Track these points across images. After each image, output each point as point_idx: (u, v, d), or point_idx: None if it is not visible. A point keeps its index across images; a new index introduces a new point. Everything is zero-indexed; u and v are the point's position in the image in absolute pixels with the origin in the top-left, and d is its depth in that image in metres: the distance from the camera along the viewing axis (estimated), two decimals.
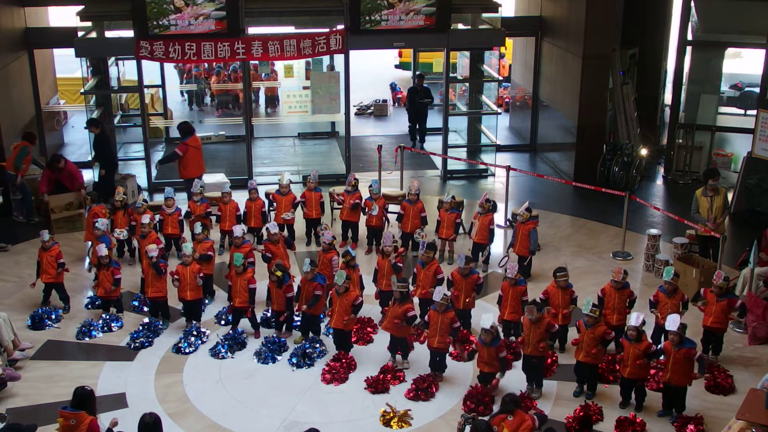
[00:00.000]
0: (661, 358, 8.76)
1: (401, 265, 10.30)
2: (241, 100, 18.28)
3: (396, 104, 21.31)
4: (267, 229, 11.02)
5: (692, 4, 15.19)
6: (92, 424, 7.39)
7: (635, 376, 8.70)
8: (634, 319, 8.57)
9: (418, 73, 17.65)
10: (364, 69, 21.04)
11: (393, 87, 21.90)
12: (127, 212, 12.01)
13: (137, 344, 10.01)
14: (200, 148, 14.02)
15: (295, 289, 10.06)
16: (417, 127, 17.41)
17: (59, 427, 7.41)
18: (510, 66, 20.31)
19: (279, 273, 9.89)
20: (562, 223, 13.78)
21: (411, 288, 9.93)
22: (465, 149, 17.57)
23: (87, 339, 10.22)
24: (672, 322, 8.42)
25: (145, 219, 11.23)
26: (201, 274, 10.30)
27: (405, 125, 17.99)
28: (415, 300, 10.02)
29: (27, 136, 13.95)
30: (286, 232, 12.06)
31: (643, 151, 15.53)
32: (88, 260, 12.11)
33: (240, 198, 12.62)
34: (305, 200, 12.54)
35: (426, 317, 9.27)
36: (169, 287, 10.44)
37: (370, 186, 12.41)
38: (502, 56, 19.74)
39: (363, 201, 12.40)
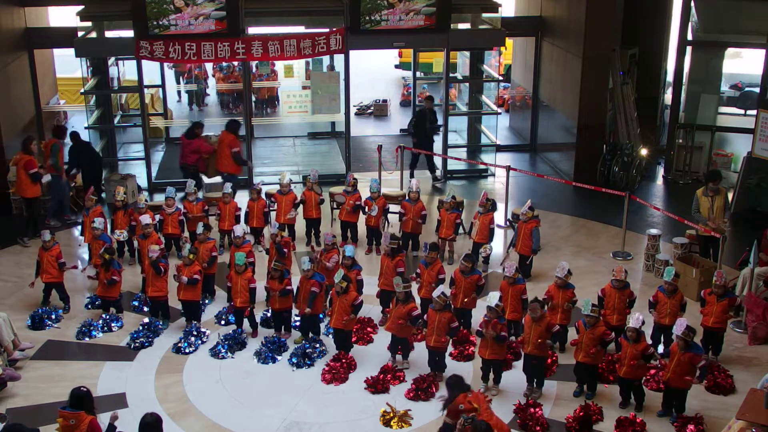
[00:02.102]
0: (655, 362, 8.77)
1: (403, 269, 10.28)
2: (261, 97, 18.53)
3: (404, 97, 20.76)
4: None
5: (692, 4, 15.19)
6: (92, 423, 7.39)
7: (631, 375, 8.71)
8: (634, 320, 8.58)
9: (428, 95, 16.33)
10: (364, 69, 21.03)
11: (406, 83, 21.66)
12: (128, 212, 12.00)
13: (137, 344, 10.02)
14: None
15: (294, 289, 10.06)
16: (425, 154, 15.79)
17: (59, 427, 7.41)
18: (506, 65, 20.28)
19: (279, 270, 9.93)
20: (562, 223, 13.77)
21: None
22: (465, 149, 17.57)
23: (87, 339, 10.22)
24: (678, 327, 8.43)
25: (146, 219, 11.22)
26: (196, 277, 10.26)
27: (405, 124, 17.81)
28: (417, 300, 10.01)
29: (57, 132, 13.67)
30: (286, 232, 12.04)
31: (643, 151, 15.52)
32: (87, 261, 12.13)
33: (240, 198, 12.61)
34: (305, 200, 12.54)
35: (425, 316, 9.27)
36: (169, 287, 10.44)
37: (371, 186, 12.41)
38: (499, 53, 19.68)
39: (363, 201, 12.39)
